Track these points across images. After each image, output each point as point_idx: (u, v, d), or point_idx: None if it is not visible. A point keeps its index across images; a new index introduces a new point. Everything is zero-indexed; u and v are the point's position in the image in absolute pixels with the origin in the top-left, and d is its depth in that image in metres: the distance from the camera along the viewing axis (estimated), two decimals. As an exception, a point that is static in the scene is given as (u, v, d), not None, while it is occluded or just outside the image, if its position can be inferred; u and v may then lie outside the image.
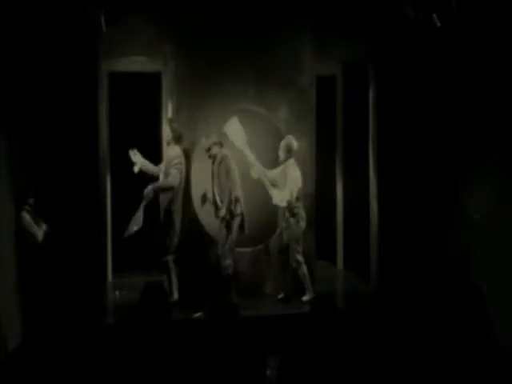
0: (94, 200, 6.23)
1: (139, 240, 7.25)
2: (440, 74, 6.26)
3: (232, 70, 6.48)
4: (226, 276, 6.01)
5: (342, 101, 7.85)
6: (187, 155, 6.34)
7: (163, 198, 6.09)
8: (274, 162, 6.73)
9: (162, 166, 6.21)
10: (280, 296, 6.29)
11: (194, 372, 3.12)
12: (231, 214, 6.02)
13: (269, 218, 6.63)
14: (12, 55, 5.07)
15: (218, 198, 6.13)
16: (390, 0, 5.88)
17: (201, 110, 6.39)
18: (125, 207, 7.32)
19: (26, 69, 5.49)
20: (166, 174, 6.06)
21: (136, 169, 6.21)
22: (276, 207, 6.34)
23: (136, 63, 6.77)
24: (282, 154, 6.19)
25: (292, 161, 6.20)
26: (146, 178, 6.30)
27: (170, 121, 6.26)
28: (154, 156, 7.17)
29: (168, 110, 6.66)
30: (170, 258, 6.08)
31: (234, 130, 6.18)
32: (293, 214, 6.13)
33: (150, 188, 5.93)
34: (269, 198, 6.35)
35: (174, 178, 5.99)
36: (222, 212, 6.04)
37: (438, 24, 5.39)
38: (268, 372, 3.33)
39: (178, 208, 6.11)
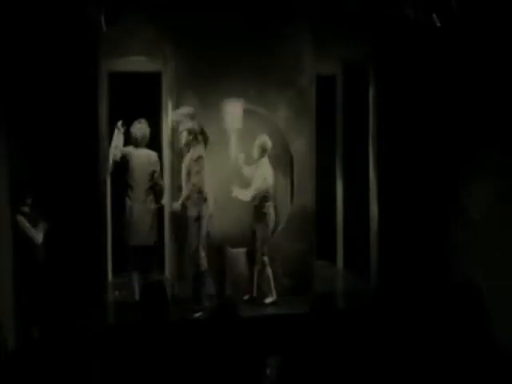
0: (93, 200, 6.23)
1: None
2: (440, 73, 6.26)
3: (232, 69, 6.48)
4: (201, 273, 5.94)
5: (341, 100, 7.85)
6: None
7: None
8: (271, 161, 6.74)
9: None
10: (245, 297, 6.20)
11: (193, 372, 3.11)
12: (199, 212, 5.89)
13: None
14: (11, 55, 5.07)
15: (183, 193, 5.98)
16: (390, 0, 5.88)
17: (201, 110, 6.39)
18: (124, 207, 7.31)
19: (25, 68, 5.49)
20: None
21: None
22: (277, 207, 6.35)
23: (136, 63, 6.76)
24: (255, 153, 6.15)
25: (265, 159, 6.16)
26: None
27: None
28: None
29: (168, 110, 6.66)
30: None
31: (234, 113, 6.13)
32: (260, 215, 6.09)
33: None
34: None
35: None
36: (176, 205, 5.97)
37: (438, 24, 5.39)
38: (268, 371, 3.33)
39: None
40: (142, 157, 6.21)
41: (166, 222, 7.04)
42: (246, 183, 6.21)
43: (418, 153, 6.54)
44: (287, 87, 6.64)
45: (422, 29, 5.76)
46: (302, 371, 3.17)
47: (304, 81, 6.69)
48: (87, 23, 5.84)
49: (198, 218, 5.88)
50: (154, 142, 7.22)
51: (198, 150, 5.94)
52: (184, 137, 5.98)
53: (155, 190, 6.23)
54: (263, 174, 6.10)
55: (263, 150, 6.15)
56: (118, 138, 6.16)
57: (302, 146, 6.69)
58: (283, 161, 6.91)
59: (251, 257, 6.20)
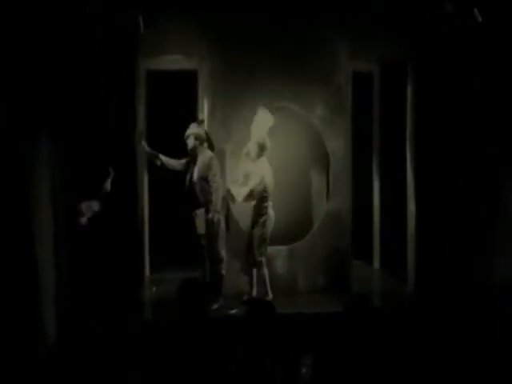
0: (131, 197, 6.32)
1: (177, 236, 7.35)
2: (480, 71, 6.13)
3: (267, 68, 6.48)
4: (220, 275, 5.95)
5: (378, 99, 7.76)
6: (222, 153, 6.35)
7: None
8: (307, 160, 6.73)
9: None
10: (244, 298, 6.08)
11: (229, 368, 3.13)
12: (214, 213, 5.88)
13: (303, 216, 6.63)
14: (51, 56, 5.17)
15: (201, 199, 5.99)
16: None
17: (236, 108, 6.41)
18: (162, 203, 7.41)
19: (64, 69, 5.59)
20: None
21: (158, 162, 6.16)
22: (310, 205, 6.31)
23: (173, 61, 6.83)
24: (253, 152, 5.98)
25: (264, 158, 6.02)
26: (183, 174, 6.35)
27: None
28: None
29: (204, 109, 6.71)
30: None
31: (264, 121, 6.02)
32: (259, 214, 5.99)
33: None
34: (302, 197, 6.36)
35: None
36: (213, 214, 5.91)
37: (480, 19, 5.26)
38: (303, 370, 3.33)
39: None
40: None
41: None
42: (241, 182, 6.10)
43: (456, 151, 6.42)
44: (323, 86, 6.60)
45: (463, 25, 5.66)
46: (336, 371, 3.15)
47: (340, 79, 6.64)
48: (126, 24, 5.93)
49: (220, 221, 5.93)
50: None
51: (206, 154, 5.96)
52: (191, 142, 6.00)
53: None
54: (260, 173, 5.93)
55: (261, 149, 5.97)
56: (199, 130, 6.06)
57: (338, 145, 6.64)
58: (319, 160, 6.89)
59: (249, 257, 6.06)
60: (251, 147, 5.99)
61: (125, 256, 6.11)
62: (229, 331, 3.29)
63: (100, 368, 4.13)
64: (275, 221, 6.17)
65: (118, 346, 4.65)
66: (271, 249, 6.50)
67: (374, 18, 6.52)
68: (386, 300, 6.54)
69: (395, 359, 3.29)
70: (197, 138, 5.98)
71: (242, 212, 6.27)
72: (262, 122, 6.03)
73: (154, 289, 6.75)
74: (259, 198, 5.95)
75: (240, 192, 5.93)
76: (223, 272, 5.97)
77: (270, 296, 6.07)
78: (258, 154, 5.98)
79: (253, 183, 5.92)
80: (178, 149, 6.48)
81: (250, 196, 5.92)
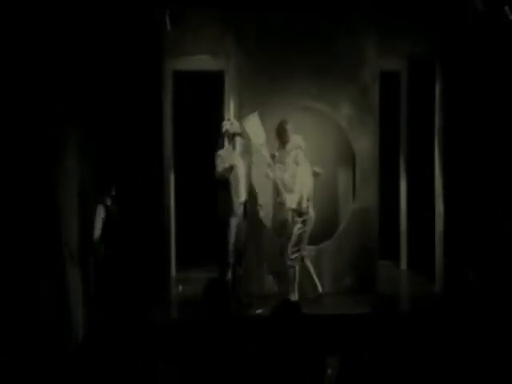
0: (158, 196, 6.36)
1: (203, 235, 7.39)
2: (510, 70, 6.02)
3: (294, 67, 6.46)
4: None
5: (406, 97, 7.68)
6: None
7: None
8: (334, 160, 6.68)
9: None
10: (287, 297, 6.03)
11: (254, 368, 3.12)
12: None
13: (330, 215, 6.59)
14: (77, 55, 5.23)
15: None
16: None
17: (263, 108, 6.40)
18: (188, 203, 7.45)
19: (91, 69, 5.65)
20: None
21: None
22: (336, 205, 6.28)
23: (199, 61, 6.85)
24: (299, 156, 6.08)
25: (301, 159, 6.09)
26: (208, 175, 6.35)
27: None
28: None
29: (230, 108, 6.72)
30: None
31: (253, 126, 6.07)
32: (300, 215, 6.03)
33: None
34: (329, 197, 6.33)
35: None
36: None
37: (511, 17, 5.15)
38: (328, 371, 3.31)
39: None
40: None
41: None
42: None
43: (485, 150, 6.31)
44: (350, 84, 6.55)
45: (493, 22, 5.55)
46: (361, 372, 3.13)
47: (367, 77, 6.59)
48: (152, 23, 5.97)
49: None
50: (217, 139, 7.31)
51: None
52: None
53: None
54: (304, 176, 6.06)
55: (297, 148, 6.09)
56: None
57: (365, 144, 6.59)
58: (346, 160, 6.84)
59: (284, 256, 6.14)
60: (298, 152, 6.10)
61: (151, 255, 6.16)
62: (254, 331, 3.28)
63: (126, 366, 4.16)
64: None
65: (144, 344, 4.68)
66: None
67: (401, 16, 6.45)
68: (413, 301, 6.47)
69: (422, 361, 3.24)
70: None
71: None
72: (255, 128, 6.11)
73: (180, 288, 6.79)
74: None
75: (292, 199, 6.03)
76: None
77: (320, 289, 6.15)
78: (301, 157, 6.10)
79: (300, 186, 6.03)
80: (204, 149, 6.50)
81: (301, 201, 6.00)
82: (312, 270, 6.20)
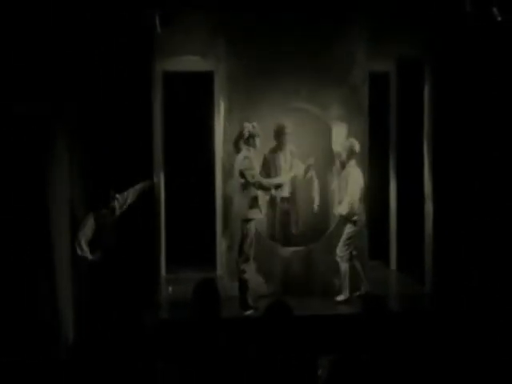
0: (147, 197, 6.34)
1: (193, 235, 7.38)
2: (499, 70, 6.06)
3: (284, 68, 6.46)
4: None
5: (395, 98, 7.72)
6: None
7: None
8: (325, 161, 6.69)
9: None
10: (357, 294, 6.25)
11: (245, 369, 3.12)
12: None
13: (320, 216, 6.61)
14: (66, 57, 5.21)
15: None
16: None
17: (253, 109, 6.41)
18: (178, 204, 7.43)
19: (80, 71, 5.62)
20: None
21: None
22: (326, 206, 6.31)
23: (189, 63, 6.85)
24: (344, 156, 6.24)
25: (353, 163, 6.22)
26: (199, 175, 6.37)
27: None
28: (207, 154, 7.27)
29: (220, 109, 6.71)
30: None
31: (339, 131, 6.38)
32: (353, 213, 6.16)
33: None
34: (319, 197, 6.37)
35: None
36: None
37: (499, 18, 5.19)
38: (319, 372, 3.31)
39: None
40: None
41: (218, 219, 7.11)
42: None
43: (474, 151, 6.35)
44: (339, 85, 6.57)
45: (482, 23, 5.59)
46: (353, 372, 3.13)
47: (357, 78, 6.61)
48: (142, 24, 5.95)
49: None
50: (207, 141, 7.31)
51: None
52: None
53: None
54: (356, 181, 6.19)
55: (351, 153, 6.21)
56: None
57: (354, 144, 6.60)
58: (335, 160, 6.85)
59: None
60: (345, 156, 6.23)
61: (141, 256, 6.14)
62: (244, 332, 3.28)
63: (117, 368, 4.15)
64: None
65: (134, 345, 4.66)
66: (287, 250, 6.50)
67: (391, 18, 6.48)
68: (403, 301, 6.50)
69: (412, 361, 3.26)
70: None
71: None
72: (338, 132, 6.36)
73: (170, 289, 6.77)
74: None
75: (343, 205, 6.17)
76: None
77: (368, 287, 6.23)
78: (348, 158, 6.21)
79: (353, 192, 6.14)
80: (194, 150, 6.51)
81: (354, 205, 6.13)
82: (360, 267, 6.28)
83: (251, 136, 5.86)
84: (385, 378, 3.12)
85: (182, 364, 3.16)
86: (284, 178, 6.18)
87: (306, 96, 6.54)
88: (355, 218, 6.18)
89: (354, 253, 6.28)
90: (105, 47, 5.90)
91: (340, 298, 6.17)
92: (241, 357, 3.15)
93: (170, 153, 7.24)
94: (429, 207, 6.79)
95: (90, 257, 5.40)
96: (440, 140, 6.62)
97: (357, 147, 6.21)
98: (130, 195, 5.80)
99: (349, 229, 6.19)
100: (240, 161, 5.85)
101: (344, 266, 6.18)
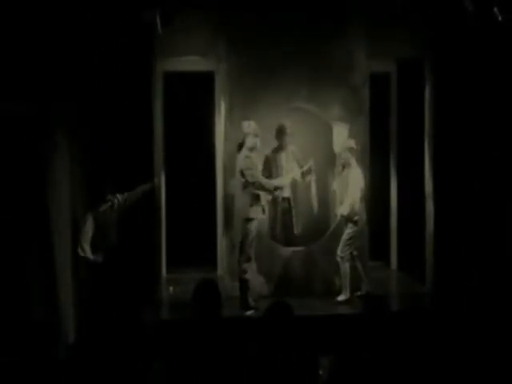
0: (148, 197, 6.34)
1: (193, 235, 7.38)
2: (500, 70, 6.06)
3: (284, 68, 6.46)
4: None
5: (396, 99, 7.71)
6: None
7: None
8: (325, 161, 6.70)
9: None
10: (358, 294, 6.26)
11: (245, 370, 3.13)
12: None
13: (320, 216, 6.61)
14: (67, 58, 5.21)
15: None
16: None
17: (253, 109, 6.41)
18: (178, 204, 7.43)
19: (81, 71, 5.62)
20: None
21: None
22: (327, 206, 6.32)
23: (190, 63, 6.85)
24: (345, 156, 6.21)
25: (353, 163, 6.19)
26: (199, 175, 6.36)
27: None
28: (207, 154, 7.27)
29: (221, 109, 6.72)
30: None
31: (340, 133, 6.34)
32: (353, 217, 6.15)
33: None
34: (319, 197, 6.37)
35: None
36: None
37: (500, 18, 5.19)
38: (320, 371, 3.31)
39: None
40: None
41: (219, 219, 7.12)
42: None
43: (475, 150, 6.35)
44: (340, 86, 6.57)
45: (482, 23, 5.58)
46: (353, 372, 3.14)
47: (357, 79, 6.61)
48: (142, 24, 5.95)
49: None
50: (208, 141, 7.31)
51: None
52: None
53: None
54: (356, 181, 6.16)
55: (351, 153, 6.18)
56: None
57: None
58: (336, 160, 6.85)
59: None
60: (344, 157, 6.20)
61: (141, 256, 6.14)
62: (245, 332, 3.28)
63: (117, 367, 4.15)
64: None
65: (135, 345, 4.67)
66: (288, 250, 6.50)
67: (391, 18, 6.47)
68: (404, 301, 6.50)
69: (412, 360, 3.26)
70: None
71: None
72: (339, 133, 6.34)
73: (171, 288, 6.77)
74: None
75: (343, 209, 6.15)
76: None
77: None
78: (347, 157, 6.19)
79: (353, 193, 6.11)
80: (195, 150, 6.50)
81: (354, 205, 6.13)
82: (361, 268, 6.28)
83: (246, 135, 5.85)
84: (385, 377, 3.12)
85: (182, 364, 3.16)
86: (284, 180, 6.17)
87: (307, 96, 6.54)
88: (356, 218, 6.17)
89: (355, 253, 6.27)
90: (105, 47, 5.91)
91: (341, 297, 6.17)
92: (241, 357, 3.15)
93: (170, 152, 7.24)
94: (429, 207, 6.79)
95: (91, 257, 5.40)
96: (440, 140, 6.62)
97: (356, 147, 6.20)
98: (132, 196, 5.80)
99: (349, 229, 6.19)
100: (241, 160, 5.85)
101: (345, 267, 6.18)
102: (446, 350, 4.47)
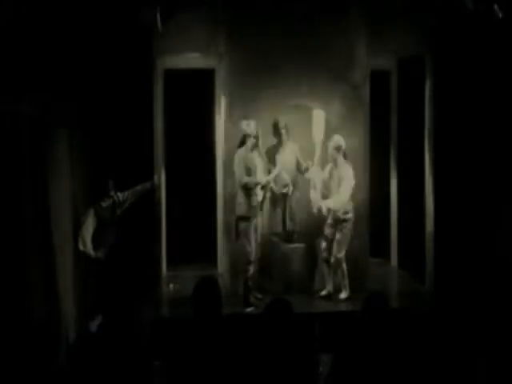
0: (149, 195, 6.35)
1: (194, 233, 7.38)
2: (500, 68, 6.05)
3: (285, 65, 6.46)
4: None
5: (396, 96, 7.71)
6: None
7: None
8: (324, 158, 6.69)
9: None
10: (323, 293, 6.26)
11: (245, 367, 3.13)
12: None
13: (322, 214, 6.61)
14: (68, 55, 5.21)
15: None
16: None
17: (254, 106, 6.41)
18: (179, 201, 7.43)
19: (82, 69, 5.62)
20: None
21: None
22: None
23: (190, 60, 6.85)
24: (332, 154, 6.10)
25: (341, 160, 6.12)
26: (199, 173, 6.36)
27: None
28: (208, 152, 7.27)
29: (221, 106, 6.71)
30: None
31: (318, 122, 6.18)
32: (347, 212, 6.11)
33: None
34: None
35: None
36: None
37: (500, 15, 5.18)
38: (320, 368, 3.32)
39: None
40: None
41: (219, 216, 7.12)
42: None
43: (475, 149, 6.35)
44: (340, 82, 6.57)
45: (483, 20, 5.58)
46: (353, 369, 3.14)
47: (357, 76, 6.61)
48: (143, 22, 5.95)
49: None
50: (208, 139, 7.31)
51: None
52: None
53: None
54: (349, 176, 6.08)
55: (338, 150, 6.10)
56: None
57: (355, 142, 6.60)
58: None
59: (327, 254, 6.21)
60: (331, 152, 6.10)
61: (142, 254, 6.15)
62: (245, 330, 3.29)
63: (117, 366, 4.15)
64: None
65: (135, 343, 4.67)
66: (288, 247, 6.50)
67: (391, 15, 6.47)
68: (404, 298, 6.50)
69: (412, 358, 3.27)
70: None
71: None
72: (319, 121, 6.20)
73: (171, 286, 6.78)
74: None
75: (336, 202, 6.06)
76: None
77: (348, 293, 6.17)
78: (336, 156, 6.09)
79: (344, 192, 6.04)
80: (196, 147, 6.50)
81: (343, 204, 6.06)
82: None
83: (244, 134, 5.87)
84: (385, 374, 3.13)
85: (182, 362, 3.16)
86: (260, 177, 5.97)
87: (307, 93, 6.54)
88: (348, 216, 6.10)
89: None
90: (105, 45, 5.91)
91: (342, 295, 6.17)
92: (241, 354, 3.16)
93: (171, 150, 7.24)
94: (429, 205, 6.79)
95: (92, 253, 5.40)
96: (441, 137, 6.62)
97: (343, 143, 6.09)
98: (131, 195, 5.81)
99: (343, 229, 6.11)
100: (235, 158, 5.87)
101: (343, 266, 6.14)
102: (445, 348, 4.48)
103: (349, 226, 6.15)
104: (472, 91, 6.34)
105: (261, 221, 6.19)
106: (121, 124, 6.12)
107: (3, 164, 4.44)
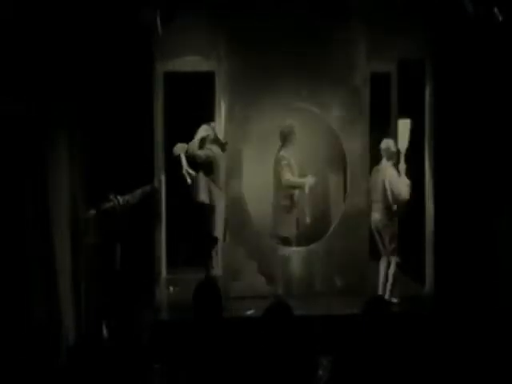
0: (148, 198, 6.34)
1: (193, 236, 7.37)
2: (501, 71, 6.06)
3: (285, 68, 6.47)
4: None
5: (396, 99, 7.71)
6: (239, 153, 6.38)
7: None
8: (325, 161, 6.72)
9: None
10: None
11: (245, 370, 3.13)
12: None
13: (321, 216, 6.61)
14: (66, 58, 5.21)
15: None
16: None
17: (254, 109, 6.42)
18: (178, 204, 7.43)
19: (81, 72, 5.62)
20: None
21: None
22: (327, 206, 6.31)
23: (190, 63, 6.85)
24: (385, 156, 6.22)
25: (389, 164, 6.23)
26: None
27: None
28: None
29: (221, 110, 6.72)
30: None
31: (403, 130, 6.28)
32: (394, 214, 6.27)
33: None
34: (320, 198, 6.36)
35: None
36: None
37: (500, 18, 5.19)
38: (320, 372, 3.31)
39: None
40: None
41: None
42: None
43: (476, 153, 6.35)
44: (340, 86, 6.58)
45: (483, 24, 5.58)
46: (353, 373, 3.14)
47: (358, 79, 6.61)
48: (143, 24, 5.96)
49: None
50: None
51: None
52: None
53: None
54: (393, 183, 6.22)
55: (388, 154, 6.24)
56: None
57: (355, 145, 6.61)
58: (336, 160, 6.86)
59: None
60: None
61: (141, 256, 6.14)
62: (244, 332, 3.29)
63: (116, 368, 4.15)
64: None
65: (134, 346, 4.66)
66: (289, 250, 6.50)
67: (391, 18, 6.48)
68: (404, 301, 6.49)
69: (412, 361, 3.26)
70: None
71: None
72: (404, 130, 6.30)
73: (171, 289, 6.78)
74: None
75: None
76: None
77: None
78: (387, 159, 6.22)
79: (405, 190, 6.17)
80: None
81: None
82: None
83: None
84: (385, 378, 3.12)
85: (182, 365, 3.16)
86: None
87: (307, 96, 6.54)
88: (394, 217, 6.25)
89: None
90: (105, 47, 5.91)
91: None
92: (241, 357, 3.15)
93: (171, 153, 7.23)
94: (430, 208, 6.79)
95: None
96: (441, 140, 6.62)
97: (393, 148, 6.19)
98: (131, 198, 5.81)
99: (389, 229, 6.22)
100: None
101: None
102: (445, 351, 4.47)
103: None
104: (472, 94, 6.34)
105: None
106: (121, 127, 6.12)
107: (3, 164, 4.44)
